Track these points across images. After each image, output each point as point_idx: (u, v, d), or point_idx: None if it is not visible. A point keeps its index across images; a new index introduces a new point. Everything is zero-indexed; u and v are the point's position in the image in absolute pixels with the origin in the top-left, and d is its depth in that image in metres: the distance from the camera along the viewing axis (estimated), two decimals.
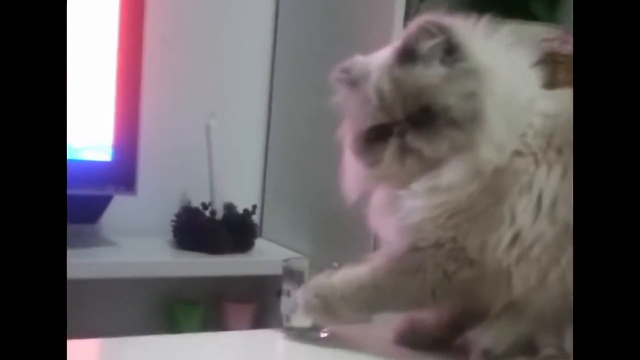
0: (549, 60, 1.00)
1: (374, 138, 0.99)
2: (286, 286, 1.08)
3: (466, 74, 0.95)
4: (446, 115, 0.94)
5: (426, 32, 0.96)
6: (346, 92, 1.03)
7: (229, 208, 1.97)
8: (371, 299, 1.00)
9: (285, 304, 1.08)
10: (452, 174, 0.94)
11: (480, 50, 0.96)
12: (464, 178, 0.94)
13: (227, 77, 2.10)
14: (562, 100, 0.97)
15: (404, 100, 0.96)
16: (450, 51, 0.96)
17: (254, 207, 2.01)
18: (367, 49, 1.06)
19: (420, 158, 0.96)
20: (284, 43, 2.09)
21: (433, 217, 0.95)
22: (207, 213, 1.95)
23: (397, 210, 0.97)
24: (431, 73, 0.95)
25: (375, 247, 1.70)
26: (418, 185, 0.96)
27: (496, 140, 0.94)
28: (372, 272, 1.01)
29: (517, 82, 0.98)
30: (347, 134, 1.04)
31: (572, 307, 0.90)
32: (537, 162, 0.94)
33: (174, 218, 1.96)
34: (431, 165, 0.96)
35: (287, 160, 2.10)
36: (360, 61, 1.03)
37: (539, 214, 0.92)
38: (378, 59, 1.01)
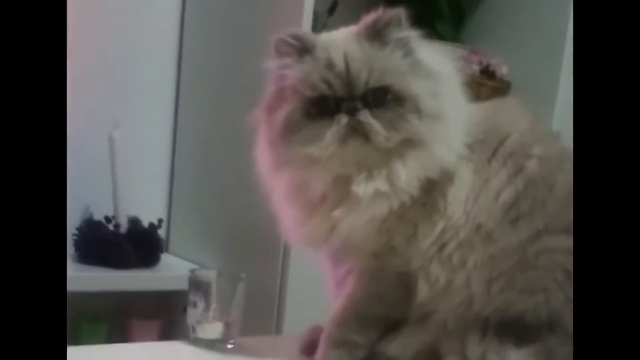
0: (470, 80, 1.02)
1: (316, 113, 0.93)
2: (192, 297, 1.06)
3: (428, 75, 0.95)
4: (414, 103, 0.92)
5: (397, 21, 0.94)
6: (293, 58, 0.94)
7: (134, 222, 1.93)
8: (364, 315, 0.99)
9: (191, 315, 1.06)
10: (406, 173, 0.93)
11: (429, 58, 0.97)
12: (415, 179, 0.93)
13: (132, 86, 2.06)
14: (478, 107, 1.00)
15: (369, 73, 0.92)
16: (409, 51, 0.95)
17: (160, 220, 1.97)
18: (267, 52, 1.00)
19: (365, 144, 0.92)
20: (190, 52, 2.07)
21: (374, 229, 0.95)
22: (111, 227, 1.90)
23: (330, 226, 0.95)
24: (398, 60, 0.94)
25: (284, 259, 1.71)
26: (360, 189, 0.93)
27: (451, 142, 0.94)
28: (349, 296, 1.00)
29: (459, 89, 0.99)
30: (276, 109, 0.95)
31: (474, 314, 0.94)
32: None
33: (76, 232, 1.90)
34: (372, 157, 0.93)
35: (193, 173, 2.07)
36: (309, 32, 1.01)
37: (458, 206, 0.94)
38: (339, 33, 0.98)
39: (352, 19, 1.02)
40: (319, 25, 1.82)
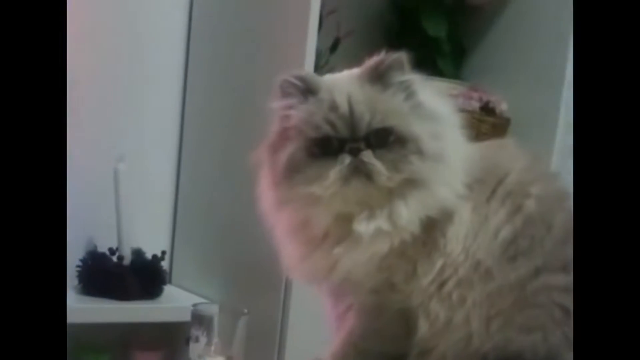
0: (470, 117, 1.04)
1: (319, 153, 0.95)
2: (195, 331, 1.07)
3: (429, 117, 0.97)
4: (416, 144, 0.94)
5: (399, 65, 0.97)
6: (297, 99, 0.97)
7: (137, 254, 1.94)
8: (364, 352, 1.00)
9: (194, 349, 1.07)
10: (408, 212, 0.94)
11: (430, 100, 0.99)
12: (416, 218, 0.95)
13: (137, 119, 2.08)
14: (476, 147, 1.02)
15: (372, 115, 0.95)
16: (411, 94, 0.97)
17: (163, 253, 1.98)
18: (272, 92, 1.01)
19: (367, 183, 0.94)
20: (194, 88, 2.10)
21: (374, 266, 0.97)
22: (115, 258, 1.91)
23: (331, 263, 0.97)
24: (400, 102, 0.96)
25: (286, 293, 1.72)
26: (362, 227, 0.95)
27: (451, 182, 0.96)
28: (349, 332, 1.01)
29: (459, 131, 1.01)
30: (280, 148, 0.97)
31: (473, 351, 0.95)
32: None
33: (79, 263, 1.91)
34: (373, 196, 0.95)
35: (197, 206, 2.09)
36: (314, 74, 1.03)
37: (457, 245, 0.96)
38: (342, 75, 1.01)
39: (354, 57, 1.05)
40: (321, 62, 1.85)
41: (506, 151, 1.05)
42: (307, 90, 0.97)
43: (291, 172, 0.96)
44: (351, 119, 0.95)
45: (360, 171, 0.94)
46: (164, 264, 1.99)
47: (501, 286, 0.95)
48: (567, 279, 0.93)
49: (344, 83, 0.98)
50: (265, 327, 1.70)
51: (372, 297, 0.99)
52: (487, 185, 0.99)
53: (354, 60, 1.04)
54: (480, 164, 1.00)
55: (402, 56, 0.98)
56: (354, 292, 1.00)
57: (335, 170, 0.94)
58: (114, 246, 1.92)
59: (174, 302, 1.96)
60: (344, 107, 0.95)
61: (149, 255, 1.95)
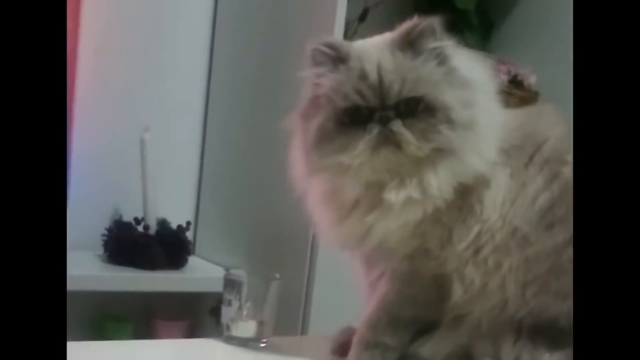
0: (499, 90, 1.03)
1: (349, 122, 0.94)
2: (227, 296, 1.08)
3: (462, 84, 0.96)
4: (446, 114, 0.93)
5: (431, 31, 0.95)
6: (327, 67, 0.96)
7: (163, 224, 1.95)
8: (397, 318, 1.00)
9: (226, 313, 1.08)
10: (437, 181, 0.94)
11: (463, 65, 0.98)
12: (447, 186, 0.94)
13: (163, 91, 2.09)
14: (514, 113, 1.02)
15: (402, 84, 0.93)
16: (444, 60, 0.96)
17: (188, 223, 1.99)
18: (303, 60, 1.00)
19: (396, 152, 0.93)
20: (221, 56, 2.10)
21: (407, 233, 0.96)
22: (140, 228, 1.92)
23: (364, 229, 0.96)
24: (432, 69, 0.95)
25: (311, 262, 1.72)
26: (392, 196, 0.94)
27: (483, 150, 0.95)
28: (382, 298, 1.01)
29: (493, 97, 1.00)
30: (311, 116, 0.97)
31: (508, 317, 0.94)
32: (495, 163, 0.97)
33: (105, 232, 1.92)
34: (403, 165, 0.94)
35: (221, 177, 2.09)
36: (344, 41, 1.01)
37: (494, 211, 0.95)
38: (372, 42, 0.99)
39: (383, 25, 1.03)
40: (350, 32, 1.84)
41: (544, 118, 1.03)
42: (338, 59, 0.96)
43: (321, 141, 0.96)
44: (380, 88, 0.94)
45: (390, 140, 0.93)
46: (189, 234, 2.00)
47: (538, 253, 0.94)
48: None
49: (375, 50, 0.96)
50: (290, 294, 1.70)
51: (405, 263, 0.99)
52: (524, 152, 0.98)
53: (382, 31, 1.02)
54: (518, 131, 0.99)
55: (434, 22, 0.96)
56: (388, 258, 1.00)
57: (364, 139, 0.93)
58: (140, 216, 1.93)
59: (198, 273, 1.97)
60: (373, 76, 0.94)
61: (174, 226, 1.96)
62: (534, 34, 2.09)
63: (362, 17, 1.92)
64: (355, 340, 1.02)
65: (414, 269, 0.99)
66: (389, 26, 1.02)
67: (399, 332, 1.01)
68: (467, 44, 2.07)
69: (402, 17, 0.99)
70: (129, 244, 1.89)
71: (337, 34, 1.68)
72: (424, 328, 1.01)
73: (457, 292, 0.96)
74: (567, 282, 0.93)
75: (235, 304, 1.07)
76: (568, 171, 0.96)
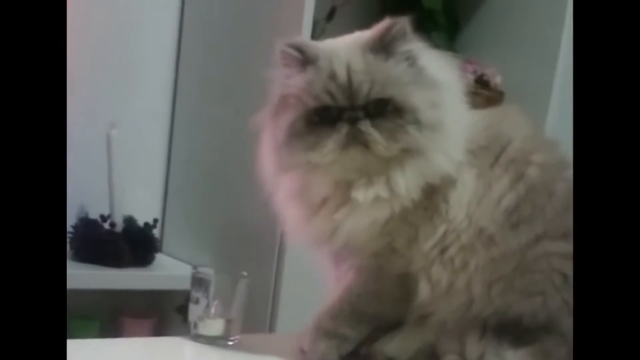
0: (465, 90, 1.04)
1: (319, 121, 0.95)
2: (195, 294, 1.08)
3: (430, 85, 0.97)
4: (414, 115, 0.95)
5: (403, 34, 0.96)
6: (295, 69, 0.97)
7: (129, 221, 1.94)
8: (359, 311, 1.01)
9: (193, 311, 1.08)
10: (405, 180, 0.95)
11: (431, 66, 0.99)
12: (414, 186, 0.95)
13: (129, 86, 2.07)
14: (480, 114, 1.03)
15: (371, 85, 0.95)
16: (413, 61, 0.97)
17: (155, 220, 1.98)
18: (272, 60, 1.00)
19: (365, 152, 0.95)
20: (188, 53, 2.08)
21: (375, 232, 0.97)
22: (107, 225, 1.90)
23: (332, 227, 0.98)
24: (402, 71, 0.96)
25: (279, 260, 1.72)
26: (360, 195, 0.96)
27: (449, 150, 0.97)
28: (347, 290, 1.02)
29: (461, 97, 1.02)
30: (281, 115, 0.98)
31: (474, 316, 0.96)
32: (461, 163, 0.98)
33: (71, 229, 1.90)
34: (372, 164, 0.95)
35: (189, 174, 2.08)
36: (312, 42, 1.02)
37: (460, 211, 0.97)
38: (342, 42, 1.00)
39: (351, 24, 1.04)
40: (317, 30, 1.84)
41: (510, 119, 1.05)
42: (306, 60, 0.97)
43: (291, 139, 0.97)
44: (350, 89, 0.95)
45: (358, 140, 0.94)
46: (155, 232, 1.99)
47: (503, 252, 0.96)
48: (567, 246, 0.94)
49: (344, 51, 0.97)
50: (258, 292, 1.70)
51: (373, 260, 1.00)
52: (490, 152, 0.99)
53: (350, 29, 1.03)
54: (484, 132, 1.00)
55: (406, 23, 0.97)
56: (355, 255, 1.01)
57: (334, 138, 0.94)
58: (106, 213, 1.91)
59: (164, 270, 1.96)
60: (342, 76, 0.95)
61: (140, 223, 1.94)
62: (499, 34, 2.11)
63: (330, 16, 1.92)
64: (312, 326, 1.03)
65: (381, 266, 1.00)
66: (356, 24, 1.03)
67: (359, 326, 1.02)
68: (434, 44, 2.09)
69: (370, 16, 1.00)
70: (96, 241, 1.87)
71: (305, 32, 1.68)
72: (388, 326, 1.02)
73: (424, 291, 0.97)
74: (531, 281, 0.95)
75: (203, 302, 1.07)
76: (533, 172, 0.98)
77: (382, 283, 1.01)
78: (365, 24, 1.02)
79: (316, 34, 1.82)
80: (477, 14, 2.18)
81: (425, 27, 2.05)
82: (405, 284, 0.99)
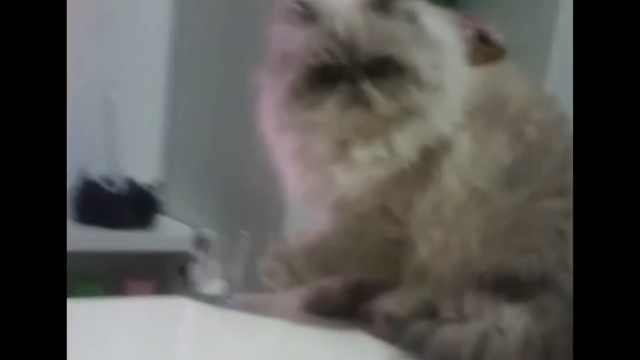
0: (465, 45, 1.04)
1: (319, 79, 0.95)
2: (195, 254, 1.09)
3: (431, 45, 0.96)
4: (414, 74, 0.95)
5: None
6: (297, 25, 0.97)
7: (131, 183, 1.95)
8: (326, 260, 1.02)
9: (194, 271, 1.09)
10: (404, 140, 0.95)
11: (433, 25, 0.98)
12: (413, 146, 0.96)
13: (129, 48, 2.06)
14: (477, 73, 1.02)
15: (371, 43, 0.94)
16: (413, 19, 0.97)
17: (157, 182, 1.99)
18: (273, 15, 1.00)
19: (365, 111, 0.94)
20: (187, 11, 2.07)
21: (370, 189, 0.98)
22: (108, 187, 1.92)
23: (328, 181, 0.98)
24: (402, 29, 0.96)
25: (280, 219, 1.73)
26: (359, 154, 0.96)
27: (449, 112, 0.97)
28: (322, 237, 1.03)
29: (461, 58, 1.01)
30: (281, 73, 0.97)
31: (470, 272, 0.97)
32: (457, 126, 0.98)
33: (73, 191, 1.91)
34: (371, 123, 0.95)
35: (190, 135, 2.09)
36: None
37: (454, 174, 0.97)
38: (343, 0, 0.99)
39: None
40: None
41: (507, 78, 1.05)
42: (308, 16, 0.96)
43: (291, 98, 0.97)
44: (350, 46, 0.94)
45: (359, 99, 0.94)
46: (157, 194, 2.00)
47: (499, 210, 0.96)
48: (563, 203, 0.94)
49: (345, 9, 0.97)
50: (260, 253, 1.71)
51: (357, 221, 1.01)
52: (488, 112, 0.99)
53: None
54: (482, 91, 1.00)
55: None
56: (343, 212, 1.01)
57: (334, 97, 0.94)
58: (107, 175, 1.92)
59: (166, 232, 1.98)
60: (343, 34, 0.95)
61: (142, 185, 1.95)
62: None
63: None
64: (277, 253, 1.04)
65: (364, 229, 1.01)
66: None
67: (322, 275, 1.04)
68: (433, 0, 2.06)
69: None
70: (97, 202, 1.89)
71: None
72: (379, 286, 1.03)
73: (423, 252, 0.98)
74: (527, 237, 0.96)
75: (204, 261, 1.08)
76: (530, 130, 0.98)
77: (360, 246, 1.02)
78: None
79: None
80: None
81: None
82: (387, 253, 1.01)
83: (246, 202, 1.85)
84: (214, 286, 1.08)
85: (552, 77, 1.92)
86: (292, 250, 1.04)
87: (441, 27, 1.00)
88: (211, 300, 1.08)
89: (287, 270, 1.03)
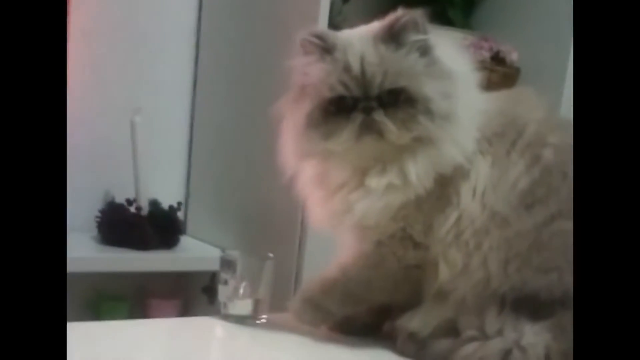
0: (480, 67, 1.07)
1: (335, 110, 1.00)
2: (223, 275, 1.12)
3: (442, 75, 1.00)
4: (425, 105, 0.98)
5: (414, 25, 1.00)
6: (315, 57, 1.01)
7: (154, 204, 1.99)
8: (349, 293, 1.05)
9: (222, 292, 1.12)
10: (416, 169, 0.99)
11: (446, 56, 1.02)
12: (426, 174, 0.99)
13: (152, 73, 2.11)
14: (494, 98, 1.05)
15: (383, 76, 0.98)
16: (426, 52, 1.00)
17: (179, 203, 2.03)
18: (293, 49, 1.05)
19: (379, 140, 0.99)
20: (208, 38, 2.12)
21: (388, 215, 1.01)
22: (132, 209, 1.95)
23: (346, 207, 1.01)
24: (413, 62, 1.00)
25: (301, 241, 1.76)
26: (374, 182, 1.00)
27: (460, 141, 1.00)
28: (342, 269, 1.06)
29: (474, 87, 1.04)
30: (300, 104, 1.02)
31: (492, 292, 0.99)
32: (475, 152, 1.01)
33: (99, 214, 1.96)
34: (386, 152, 1.00)
35: (212, 158, 2.12)
36: (332, 32, 1.05)
37: (473, 200, 1.00)
38: (357, 33, 1.03)
39: (367, 7, 1.06)
40: (334, 12, 1.86)
41: (524, 102, 1.07)
42: (325, 49, 1.01)
43: (309, 128, 1.01)
44: (363, 80, 0.99)
45: (372, 129, 0.99)
46: (180, 215, 2.04)
47: (518, 231, 0.98)
48: None
49: (358, 42, 1.01)
50: (281, 273, 1.73)
51: (376, 249, 1.04)
52: (506, 139, 1.02)
53: (366, 11, 1.05)
54: (499, 117, 1.03)
55: (418, 15, 1.00)
56: (362, 238, 1.05)
57: (349, 127, 0.99)
58: (131, 197, 1.96)
59: (189, 252, 2.01)
60: (356, 68, 0.99)
61: (165, 206, 1.99)
62: (515, 10, 2.12)
63: None
64: (302, 292, 1.09)
65: (384, 256, 1.04)
66: (372, 7, 1.05)
67: (347, 307, 1.07)
68: (450, 22, 2.10)
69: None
70: (122, 225, 1.93)
71: (322, 14, 1.70)
72: (402, 306, 1.06)
73: (443, 273, 1.01)
74: (547, 257, 0.98)
75: (232, 283, 1.11)
76: (548, 154, 1.00)
77: (380, 273, 1.05)
78: (381, 6, 1.04)
79: (333, 16, 1.84)
80: None
81: (441, 4, 2.07)
82: (408, 278, 1.04)
83: (268, 223, 1.88)
84: (243, 306, 1.11)
85: (568, 97, 1.94)
86: (315, 288, 1.08)
87: (455, 57, 1.04)
88: (240, 320, 1.11)
89: (313, 308, 1.07)
